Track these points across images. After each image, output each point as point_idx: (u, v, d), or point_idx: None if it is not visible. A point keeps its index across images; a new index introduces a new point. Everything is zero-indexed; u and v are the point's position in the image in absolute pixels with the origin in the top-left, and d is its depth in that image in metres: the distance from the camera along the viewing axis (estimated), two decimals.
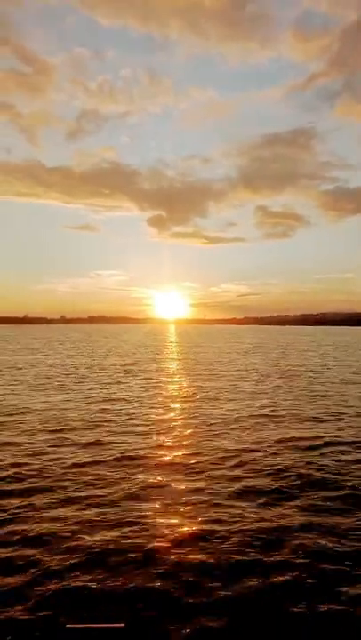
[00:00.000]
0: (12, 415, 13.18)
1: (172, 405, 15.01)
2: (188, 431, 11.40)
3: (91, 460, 8.96)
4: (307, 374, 23.54)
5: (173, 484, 7.63)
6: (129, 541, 5.68)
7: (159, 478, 7.94)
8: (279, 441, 10.42)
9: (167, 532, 5.95)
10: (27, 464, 8.65)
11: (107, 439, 10.57)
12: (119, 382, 20.57)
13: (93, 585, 4.77)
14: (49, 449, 9.72)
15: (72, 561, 5.21)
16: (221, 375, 23.20)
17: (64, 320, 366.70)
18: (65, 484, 7.63)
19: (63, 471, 8.26)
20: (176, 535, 5.87)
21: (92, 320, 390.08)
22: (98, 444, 10.20)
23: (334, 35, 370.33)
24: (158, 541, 5.70)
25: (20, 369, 26.03)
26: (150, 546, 5.57)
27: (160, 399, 16.20)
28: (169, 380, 21.73)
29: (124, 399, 16.12)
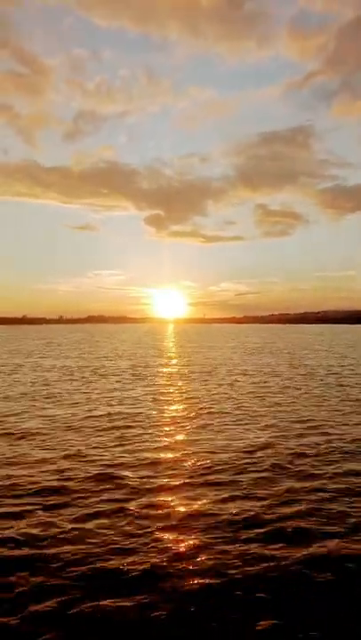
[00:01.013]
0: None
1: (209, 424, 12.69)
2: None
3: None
4: (333, 377, 21.27)
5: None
6: None
7: None
8: None
9: None
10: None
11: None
12: (134, 394, 18.20)
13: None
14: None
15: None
16: (251, 382, 20.87)
17: (63, 320, 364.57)
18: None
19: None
20: None
21: (90, 320, 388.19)
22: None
23: (331, 33, 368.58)
24: None
25: (12, 375, 23.68)
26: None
27: (193, 414, 13.74)
28: (191, 388, 19.40)
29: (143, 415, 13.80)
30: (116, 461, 8.70)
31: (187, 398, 16.06)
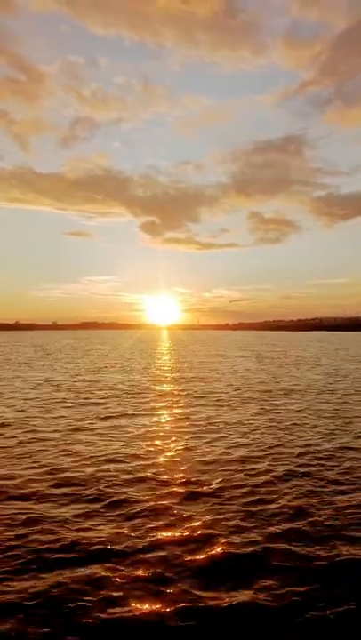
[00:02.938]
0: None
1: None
2: None
3: None
4: None
5: None
6: None
7: None
8: None
9: None
10: None
11: None
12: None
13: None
14: None
15: None
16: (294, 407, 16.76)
17: (56, 326, 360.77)
18: None
19: None
20: None
21: (83, 326, 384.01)
22: None
23: (325, 43, 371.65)
24: None
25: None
26: None
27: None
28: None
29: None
30: None
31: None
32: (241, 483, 7.80)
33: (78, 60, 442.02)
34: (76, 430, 11.75)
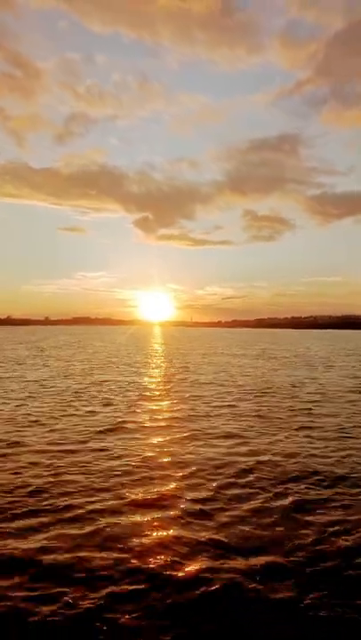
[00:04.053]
0: None
1: None
2: None
3: None
4: None
5: None
6: None
7: None
8: None
9: None
10: None
11: None
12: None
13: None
14: None
15: None
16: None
17: (48, 321, 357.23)
18: None
19: None
20: None
21: (76, 321, 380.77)
22: None
23: (321, 42, 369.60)
24: None
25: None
26: None
27: None
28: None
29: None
30: None
31: None
32: None
33: (75, 57, 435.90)
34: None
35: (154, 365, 30.00)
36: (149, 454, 9.32)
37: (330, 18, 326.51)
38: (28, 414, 13.15)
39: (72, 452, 9.45)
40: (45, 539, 5.65)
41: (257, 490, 7.43)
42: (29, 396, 16.32)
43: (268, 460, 9.03)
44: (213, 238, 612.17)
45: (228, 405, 14.99)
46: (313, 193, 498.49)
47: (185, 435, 11.00)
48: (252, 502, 6.92)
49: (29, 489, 7.32)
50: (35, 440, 10.33)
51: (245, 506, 6.77)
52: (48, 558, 5.18)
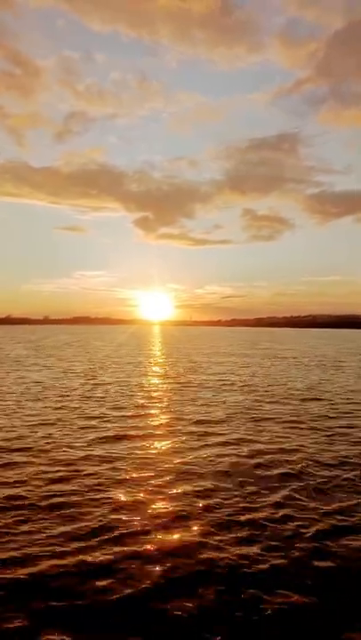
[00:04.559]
0: None
1: None
2: None
3: None
4: None
5: None
6: None
7: None
8: None
9: None
10: None
11: None
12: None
13: None
14: None
15: None
16: None
17: (48, 320, 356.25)
18: None
19: None
20: None
21: (76, 321, 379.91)
22: None
23: (321, 41, 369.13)
24: None
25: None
26: None
27: None
28: None
29: None
30: None
31: None
32: None
33: (74, 56, 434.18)
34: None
35: (159, 366, 29.05)
36: (169, 463, 8.38)
37: (330, 17, 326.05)
38: (31, 417, 12.20)
39: (83, 458, 8.51)
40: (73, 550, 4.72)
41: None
42: (32, 399, 15.37)
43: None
44: (213, 238, 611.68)
45: (247, 408, 14.05)
46: (312, 192, 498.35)
47: (210, 443, 10.06)
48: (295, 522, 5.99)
49: (42, 502, 6.38)
50: (42, 446, 9.38)
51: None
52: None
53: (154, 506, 6.74)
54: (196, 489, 7.42)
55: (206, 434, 11.09)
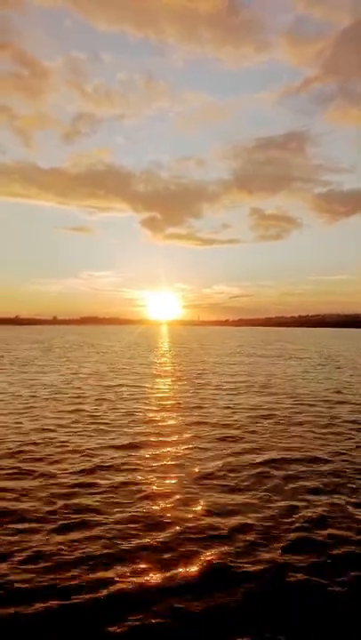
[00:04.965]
0: None
1: None
2: None
3: None
4: None
5: None
6: None
7: None
8: None
9: None
10: None
11: None
12: None
13: None
14: None
15: None
16: None
17: (56, 321, 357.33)
18: None
19: None
20: None
21: (84, 321, 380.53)
22: None
23: (329, 40, 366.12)
24: None
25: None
26: None
27: None
28: None
29: None
30: None
31: None
32: None
33: (81, 56, 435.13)
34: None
35: (173, 368, 28.21)
36: (195, 472, 7.54)
37: (337, 15, 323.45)
38: (42, 427, 11.43)
39: (99, 467, 7.70)
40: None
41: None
42: (42, 405, 14.62)
43: None
44: (221, 237, 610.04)
45: (271, 411, 13.17)
46: (320, 191, 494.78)
47: (237, 450, 9.21)
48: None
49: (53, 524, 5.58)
50: (57, 464, 8.59)
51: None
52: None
53: (182, 520, 5.91)
54: (227, 501, 6.58)
55: (233, 440, 10.24)
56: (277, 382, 20.56)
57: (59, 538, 5.61)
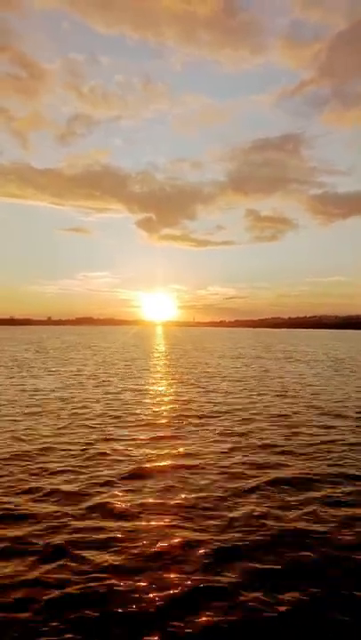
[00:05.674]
0: None
1: None
2: None
3: None
4: None
5: None
6: None
7: None
8: None
9: None
10: None
11: None
12: None
13: None
14: None
15: None
16: None
17: (51, 321, 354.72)
18: None
19: None
20: None
21: (79, 322, 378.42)
22: None
23: (324, 43, 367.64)
24: None
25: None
26: None
27: None
28: None
29: None
30: None
31: None
32: None
33: (79, 58, 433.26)
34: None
35: (175, 371, 26.86)
36: (216, 489, 6.22)
37: (333, 18, 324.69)
38: (42, 440, 10.05)
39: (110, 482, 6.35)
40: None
41: None
42: (38, 413, 13.23)
43: None
44: (216, 239, 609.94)
45: (293, 422, 11.87)
46: (315, 193, 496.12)
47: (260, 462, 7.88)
48: None
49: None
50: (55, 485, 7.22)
51: None
52: None
53: (203, 541, 4.59)
54: (247, 519, 5.27)
55: (257, 452, 8.92)
56: (295, 387, 19.27)
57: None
